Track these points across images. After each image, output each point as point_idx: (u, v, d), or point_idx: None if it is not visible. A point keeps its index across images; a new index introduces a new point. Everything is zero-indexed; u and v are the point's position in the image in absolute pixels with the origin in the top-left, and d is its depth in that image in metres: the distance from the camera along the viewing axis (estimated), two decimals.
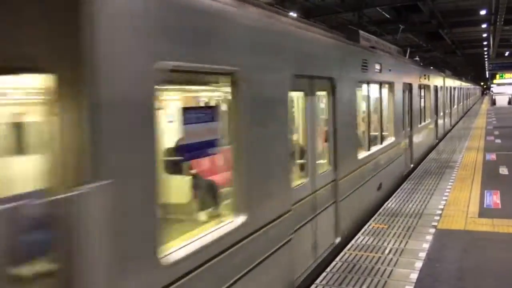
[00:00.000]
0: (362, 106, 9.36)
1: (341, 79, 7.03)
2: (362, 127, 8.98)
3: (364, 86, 9.00)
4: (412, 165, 13.24)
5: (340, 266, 6.11)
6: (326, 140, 6.93)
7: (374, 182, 9.10)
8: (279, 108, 5.02)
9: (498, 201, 9.11)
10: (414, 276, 5.72)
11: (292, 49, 5.44)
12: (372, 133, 9.61)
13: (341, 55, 7.37)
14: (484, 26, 32.67)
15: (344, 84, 7.14)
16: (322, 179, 6.44)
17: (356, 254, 6.53)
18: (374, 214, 8.54)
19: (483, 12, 27.21)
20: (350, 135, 7.58)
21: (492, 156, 14.72)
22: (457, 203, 9.12)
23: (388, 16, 27.98)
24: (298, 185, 5.71)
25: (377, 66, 9.36)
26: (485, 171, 12.24)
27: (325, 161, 6.82)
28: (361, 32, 8.96)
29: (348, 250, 6.74)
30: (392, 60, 11.18)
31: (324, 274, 5.90)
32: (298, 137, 6.22)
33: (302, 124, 6.19)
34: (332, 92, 6.76)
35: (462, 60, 63.53)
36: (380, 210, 8.87)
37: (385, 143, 10.23)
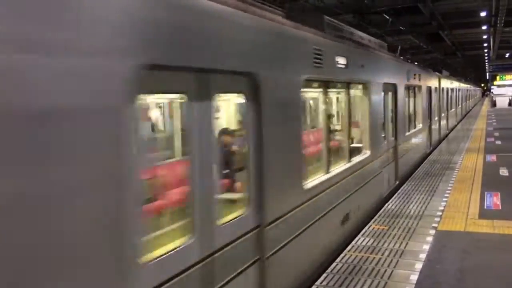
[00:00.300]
0: (318, 112, 7.56)
1: (272, 76, 4.92)
2: (317, 142, 7.25)
3: (321, 86, 7.00)
4: (397, 182, 11.23)
5: (341, 268, 6.12)
6: (241, 168, 4.67)
7: (336, 215, 6.93)
8: (101, 124, 2.75)
9: (498, 203, 9.12)
10: (414, 277, 5.73)
11: (138, 18, 3.08)
12: (336, 147, 7.86)
13: (271, 41, 5.03)
14: (484, 27, 32.70)
15: (278, 83, 5.05)
16: (228, 231, 4.14)
17: (357, 256, 6.54)
18: (337, 257, 6.63)
19: (483, 14, 27.25)
20: (289, 156, 5.36)
21: (493, 158, 14.72)
22: (457, 204, 9.12)
23: (388, 18, 28.02)
24: (164, 254, 3.42)
25: (341, 60, 7.19)
26: (485, 173, 12.24)
27: (239, 199, 4.63)
28: (327, 18, 7.15)
29: (349, 251, 6.74)
30: (367, 54, 8.88)
31: (324, 275, 5.90)
32: (169, 170, 4.34)
33: (180, 148, 4.24)
34: (255, 94, 4.58)
35: (462, 62, 63.62)
36: (381, 211, 8.88)
37: (357, 159, 8.19)
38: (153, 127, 4.94)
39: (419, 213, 8.59)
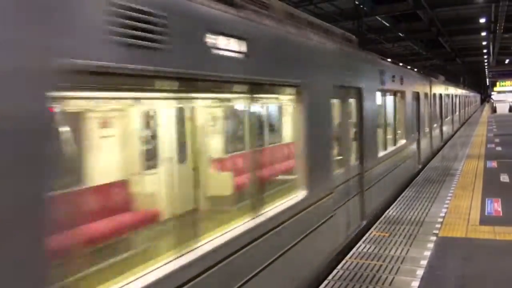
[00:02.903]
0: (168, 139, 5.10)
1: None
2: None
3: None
4: (364, 222, 8.25)
5: (342, 274, 6.10)
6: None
7: None
8: None
9: (499, 209, 9.11)
10: (415, 284, 5.72)
11: None
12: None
13: None
14: (483, 34, 32.83)
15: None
16: None
17: (358, 262, 6.52)
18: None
19: (482, 20, 27.36)
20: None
21: (493, 164, 14.72)
22: (458, 210, 9.11)
23: (387, 24, 28.14)
24: None
25: (234, 45, 4.28)
26: (486, 179, 12.23)
27: None
28: None
29: (350, 258, 6.73)
30: (295, 38, 5.83)
31: (326, 282, 5.89)
32: None
33: None
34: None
35: (462, 68, 63.81)
36: (382, 218, 8.87)
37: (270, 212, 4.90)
38: None
39: (420, 220, 8.58)
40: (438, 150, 19.04)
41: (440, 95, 20.57)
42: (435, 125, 18.54)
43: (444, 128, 22.01)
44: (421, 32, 31.25)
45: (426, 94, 15.98)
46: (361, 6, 22.32)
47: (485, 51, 45.64)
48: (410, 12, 24.47)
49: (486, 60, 55.46)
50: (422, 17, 26.21)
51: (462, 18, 28.55)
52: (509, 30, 29.84)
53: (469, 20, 28.53)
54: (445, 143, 21.74)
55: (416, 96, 14.01)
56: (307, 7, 23.22)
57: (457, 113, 30.69)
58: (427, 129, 16.18)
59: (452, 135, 25.73)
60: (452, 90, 27.16)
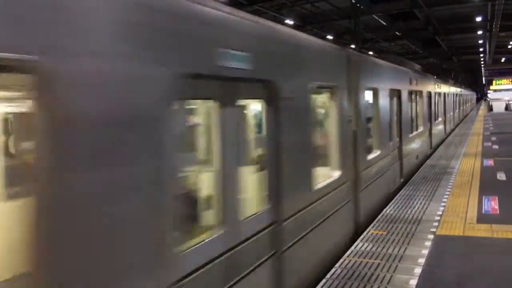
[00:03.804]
0: None
1: None
2: None
3: None
4: None
5: (340, 273, 6.11)
6: None
7: None
8: None
9: (496, 207, 9.14)
10: (413, 282, 5.73)
11: None
12: None
13: None
14: (480, 32, 32.95)
15: None
16: None
17: (356, 261, 6.53)
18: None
19: (479, 19, 27.44)
20: None
21: (490, 162, 14.76)
22: (456, 209, 9.14)
23: (384, 23, 28.16)
24: None
25: None
26: (483, 177, 12.26)
27: None
28: None
29: (348, 256, 6.74)
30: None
31: (324, 281, 5.90)
32: None
33: None
34: None
35: (458, 66, 63.98)
36: (379, 216, 8.88)
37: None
38: None
39: (417, 218, 8.60)
40: (389, 201, 10.10)
41: (410, 93, 13.60)
42: (382, 151, 9.84)
43: (415, 146, 14.27)
44: (418, 31, 31.34)
45: (348, 91, 7.61)
46: (358, 4, 22.33)
47: (481, 49, 45.77)
48: (406, 10, 24.51)
49: (482, 59, 55.62)
50: (418, 15, 26.28)
51: (459, 17, 28.64)
52: (505, 29, 29.93)
53: (465, 18, 28.63)
54: (413, 174, 13.22)
55: (300, 96, 5.87)
56: (304, 6, 23.22)
57: (440, 118, 21.77)
58: (362, 166, 8.34)
59: (431, 154, 17.37)
60: (431, 87, 18.70)
